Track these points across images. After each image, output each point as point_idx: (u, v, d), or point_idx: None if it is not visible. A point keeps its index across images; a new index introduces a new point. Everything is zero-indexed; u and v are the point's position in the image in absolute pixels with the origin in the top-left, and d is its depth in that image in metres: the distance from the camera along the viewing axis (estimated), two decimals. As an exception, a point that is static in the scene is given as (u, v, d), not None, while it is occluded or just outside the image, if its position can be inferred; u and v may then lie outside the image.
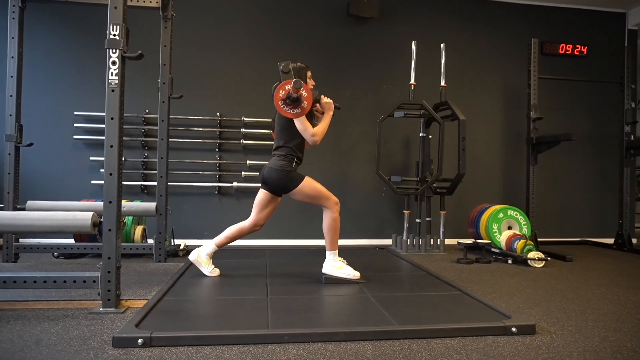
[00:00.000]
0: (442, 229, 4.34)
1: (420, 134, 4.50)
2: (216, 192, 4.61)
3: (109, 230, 2.23)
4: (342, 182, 4.84)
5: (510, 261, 3.75)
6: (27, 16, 3.38)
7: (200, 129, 4.58)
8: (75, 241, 3.69)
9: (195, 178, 4.56)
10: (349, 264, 2.85)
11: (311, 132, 2.72)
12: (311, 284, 2.74)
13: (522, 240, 3.75)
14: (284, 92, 2.62)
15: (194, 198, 4.60)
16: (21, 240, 3.85)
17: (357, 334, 1.85)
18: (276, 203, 2.88)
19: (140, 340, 1.74)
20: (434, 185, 4.39)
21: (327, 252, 2.80)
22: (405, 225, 4.35)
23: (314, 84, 2.91)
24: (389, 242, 4.66)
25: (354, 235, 4.76)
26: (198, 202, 4.59)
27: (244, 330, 1.86)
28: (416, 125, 4.62)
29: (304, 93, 2.61)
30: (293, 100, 2.60)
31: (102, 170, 4.41)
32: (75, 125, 4.39)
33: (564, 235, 5.12)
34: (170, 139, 4.48)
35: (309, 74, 2.88)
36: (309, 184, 2.76)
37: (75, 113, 4.38)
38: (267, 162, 2.82)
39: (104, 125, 4.54)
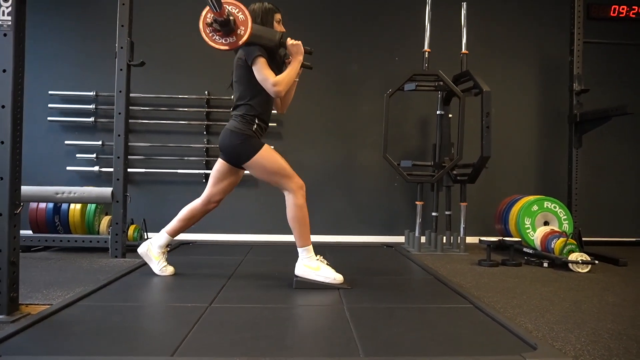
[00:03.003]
0: (462, 225, 3.63)
1: (438, 112, 3.81)
2: (203, 180, 4.08)
3: None
4: (347, 170, 4.21)
5: (545, 264, 3.01)
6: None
7: (186, 109, 4.07)
8: (33, 232, 3.25)
9: (180, 164, 4.06)
10: (337, 264, 2.26)
11: (272, 81, 2.11)
12: (278, 289, 2.15)
13: (561, 239, 3.01)
14: (211, 15, 2.01)
15: (178, 187, 4.10)
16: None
17: (294, 369, 1.24)
18: (237, 177, 2.36)
19: (-25, 370, 1.20)
20: (454, 172, 3.69)
21: (299, 250, 2.20)
22: (418, 219, 3.67)
23: (283, 30, 2.29)
24: (401, 239, 3.99)
25: (359, 231, 4.13)
26: (183, 191, 4.07)
27: (133, 357, 1.29)
28: (434, 103, 3.93)
29: (240, 16, 2.01)
30: (222, 25, 2.00)
31: (78, 155, 4.00)
32: (50, 105, 3.98)
33: (616, 234, 4.25)
34: (152, 121, 4.05)
35: (277, 16, 2.26)
36: (269, 156, 2.19)
37: (50, 92, 3.96)
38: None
39: (82, 106, 4.10)
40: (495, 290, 2.32)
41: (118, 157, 2.89)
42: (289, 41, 2.19)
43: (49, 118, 3.98)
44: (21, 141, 1.80)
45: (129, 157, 4.00)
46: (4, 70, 1.74)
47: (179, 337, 1.45)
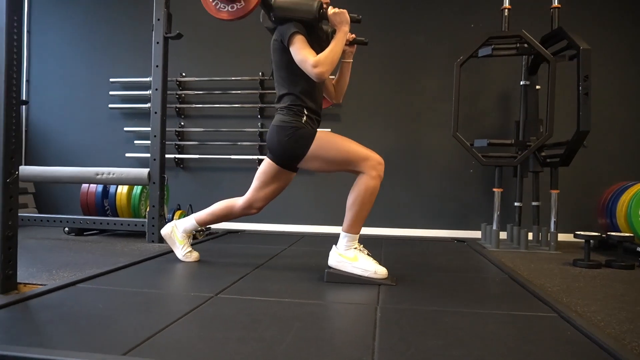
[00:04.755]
0: (553, 218, 2.97)
1: (522, 83, 3.19)
2: (257, 166, 3.85)
3: (-7, 184, 1.58)
4: (412, 155, 3.72)
5: (668, 268, 2.31)
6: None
7: (239, 91, 3.86)
8: (84, 214, 3.22)
9: (233, 150, 3.86)
10: (389, 258, 1.89)
11: (312, 62, 1.69)
12: (306, 282, 1.79)
13: (692, 236, 2.29)
14: None
15: (231, 173, 3.91)
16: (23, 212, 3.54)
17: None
18: (285, 182, 1.99)
19: None
20: (542, 153, 3.05)
21: (342, 233, 1.82)
22: (496, 211, 3.07)
23: (327, 1, 1.88)
24: (477, 234, 3.42)
25: (425, 225, 3.62)
26: (236, 178, 3.88)
27: (74, 352, 1.00)
28: (517, 73, 3.30)
29: None
30: None
31: (136, 141, 3.98)
32: (111, 93, 4.01)
33: None
34: (205, 105, 3.91)
35: None
36: (329, 143, 1.79)
37: (111, 80, 4.00)
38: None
39: (139, 92, 4.06)
40: (593, 298, 1.74)
41: (155, 136, 2.73)
42: (330, 10, 1.77)
43: (109, 105, 4.01)
44: (18, 103, 1.64)
45: (182, 142, 3.93)
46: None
47: (150, 332, 1.15)
